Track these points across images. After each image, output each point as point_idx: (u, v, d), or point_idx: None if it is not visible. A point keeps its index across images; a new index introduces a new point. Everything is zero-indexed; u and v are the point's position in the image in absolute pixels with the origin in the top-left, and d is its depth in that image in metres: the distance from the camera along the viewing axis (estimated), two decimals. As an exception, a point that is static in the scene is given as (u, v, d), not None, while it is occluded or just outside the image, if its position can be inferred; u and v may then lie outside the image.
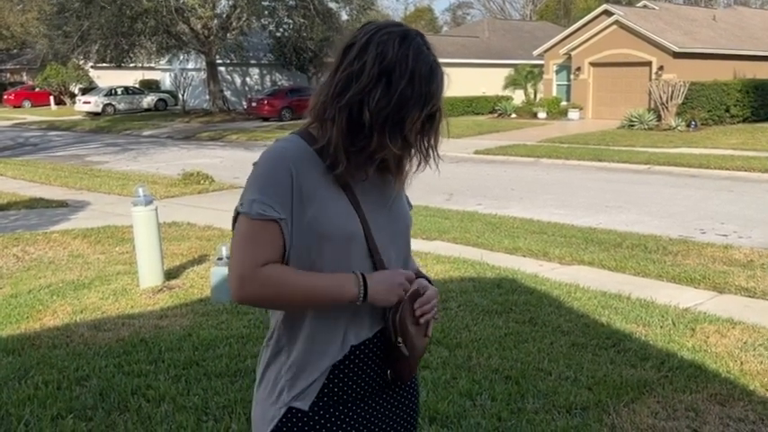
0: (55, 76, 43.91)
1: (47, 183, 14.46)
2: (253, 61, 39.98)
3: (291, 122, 30.51)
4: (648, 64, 27.30)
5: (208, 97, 36.91)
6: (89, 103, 38.93)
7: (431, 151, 1.74)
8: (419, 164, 1.75)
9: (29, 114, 40.13)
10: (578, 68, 29.65)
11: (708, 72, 25.81)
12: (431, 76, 1.66)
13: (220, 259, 5.83)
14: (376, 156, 1.67)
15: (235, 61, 38.41)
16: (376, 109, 1.61)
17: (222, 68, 38.66)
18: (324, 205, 1.68)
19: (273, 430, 1.72)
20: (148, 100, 41.88)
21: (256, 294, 1.65)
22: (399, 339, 1.74)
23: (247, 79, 42.10)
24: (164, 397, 3.99)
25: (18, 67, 53.97)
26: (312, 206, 1.67)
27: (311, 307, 1.70)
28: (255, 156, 1.75)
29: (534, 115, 29.85)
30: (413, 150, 1.71)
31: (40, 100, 45.90)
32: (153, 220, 6.44)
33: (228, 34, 33.77)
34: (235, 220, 1.69)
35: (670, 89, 23.79)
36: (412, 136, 1.67)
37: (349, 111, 1.62)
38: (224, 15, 33.24)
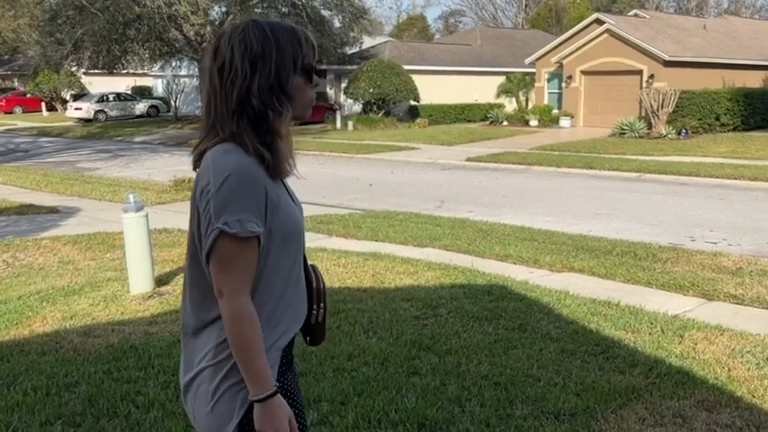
0: (46, 83, 43.78)
1: (37, 189, 14.42)
2: (245, 68, 39.93)
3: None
4: (639, 72, 27.46)
5: (200, 104, 36.81)
6: (80, 109, 38.82)
7: (308, 110, 1.93)
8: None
9: (20, 120, 40.00)
10: (570, 76, 29.79)
11: (698, 81, 25.98)
12: (293, 34, 1.85)
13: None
14: (277, 128, 1.83)
15: (228, 68, 38.33)
16: (258, 89, 1.80)
17: (215, 75, 38.59)
18: (285, 207, 1.85)
19: (248, 410, 1.81)
20: (140, 106, 41.80)
21: (234, 317, 1.76)
22: (321, 305, 1.99)
23: (240, 86, 42.03)
24: (153, 403, 3.99)
25: (9, 72, 53.83)
26: (278, 211, 1.81)
27: (241, 358, 1.79)
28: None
29: (526, 123, 29.96)
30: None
31: (31, 106, 45.74)
32: (143, 226, 6.43)
33: (221, 41, 33.73)
34: (215, 240, 1.74)
35: (661, 97, 23.92)
36: (294, 92, 1.86)
37: (250, 113, 1.81)
38: (217, 22, 33.21)
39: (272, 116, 1.81)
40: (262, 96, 1.79)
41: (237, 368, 1.79)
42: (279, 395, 1.80)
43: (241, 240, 1.73)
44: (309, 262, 2.04)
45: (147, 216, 6.51)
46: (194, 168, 1.89)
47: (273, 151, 1.81)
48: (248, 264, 1.77)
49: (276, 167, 1.82)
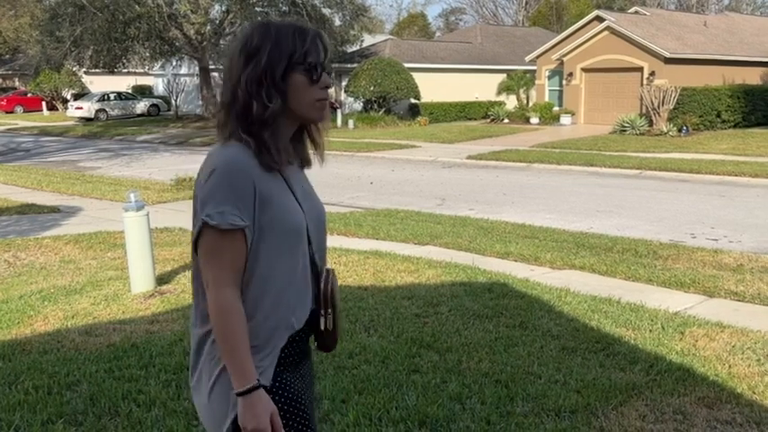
0: (47, 82, 43.77)
1: (39, 188, 14.44)
2: (246, 67, 39.90)
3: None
4: (640, 69, 27.42)
5: (201, 102, 36.88)
6: (81, 108, 38.84)
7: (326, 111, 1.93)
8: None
9: (21, 120, 40.02)
10: (570, 74, 29.76)
11: (699, 77, 25.96)
12: (296, 32, 1.85)
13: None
14: (262, 120, 1.82)
15: (228, 67, 38.34)
16: (247, 80, 1.81)
17: (215, 74, 38.56)
18: (279, 204, 1.83)
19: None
20: (141, 105, 41.81)
21: (217, 309, 1.76)
22: (329, 311, 1.94)
23: (240, 85, 42.02)
24: (154, 401, 4.00)
25: (10, 72, 53.80)
26: (271, 208, 1.79)
27: (224, 351, 1.77)
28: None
29: (527, 120, 29.95)
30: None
31: (32, 105, 45.76)
32: (144, 225, 6.44)
33: (221, 40, 33.78)
34: (199, 232, 1.77)
35: (661, 94, 23.90)
36: (290, 88, 1.85)
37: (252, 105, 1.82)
38: (217, 21, 33.26)
39: (255, 107, 1.80)
40: (248, 88, 1.80)
41: None
42: (261, 390, 1.75)
43: (223, 232, 1.74)
44: (327, 266, 2.04)
45: (147, 215, 6.52)
46: None
47: (259, 140, 1.81)
48: (233, 257, 1.77)
49: (261, 156, 1.80)
